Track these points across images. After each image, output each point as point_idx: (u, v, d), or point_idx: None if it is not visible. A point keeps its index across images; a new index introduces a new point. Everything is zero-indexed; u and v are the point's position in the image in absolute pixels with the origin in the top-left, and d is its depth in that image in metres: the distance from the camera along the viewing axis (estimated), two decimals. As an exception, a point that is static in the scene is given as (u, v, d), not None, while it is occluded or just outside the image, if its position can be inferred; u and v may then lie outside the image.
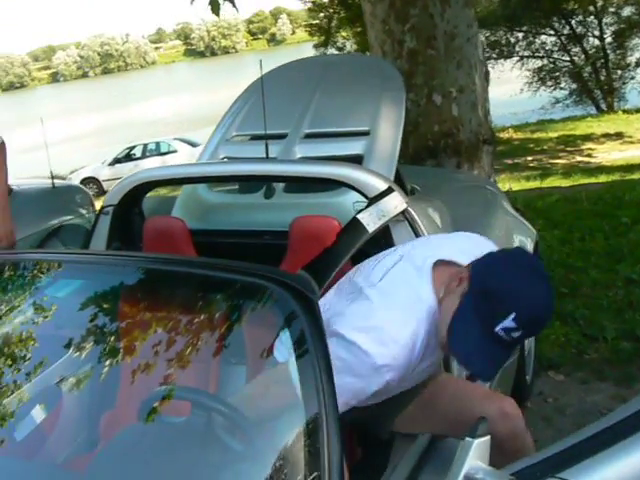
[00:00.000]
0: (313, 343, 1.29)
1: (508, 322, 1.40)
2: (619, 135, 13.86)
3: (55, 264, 1.82)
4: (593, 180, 8.63)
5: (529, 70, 20.53)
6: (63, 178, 15.07)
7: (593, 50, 20.13)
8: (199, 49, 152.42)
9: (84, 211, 4.19)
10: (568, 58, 20.42)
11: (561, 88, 20.42)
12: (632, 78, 19.89)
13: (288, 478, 1.19)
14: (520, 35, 20.18)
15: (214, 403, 1.42)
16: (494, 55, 19.79)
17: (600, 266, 4.33)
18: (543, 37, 20.40)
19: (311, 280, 1.45)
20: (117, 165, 17.19)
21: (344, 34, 20.73)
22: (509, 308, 1.40)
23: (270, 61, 4.20)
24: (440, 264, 1.61)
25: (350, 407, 1.50)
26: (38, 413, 1.74)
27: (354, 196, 2.26)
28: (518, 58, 20.40)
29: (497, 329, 1.41)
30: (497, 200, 3.27)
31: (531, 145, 14.16)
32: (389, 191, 2.11)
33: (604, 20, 19.72)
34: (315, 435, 1.19)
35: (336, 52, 20.00)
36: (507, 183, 8.32)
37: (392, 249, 1.77)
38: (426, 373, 1.71)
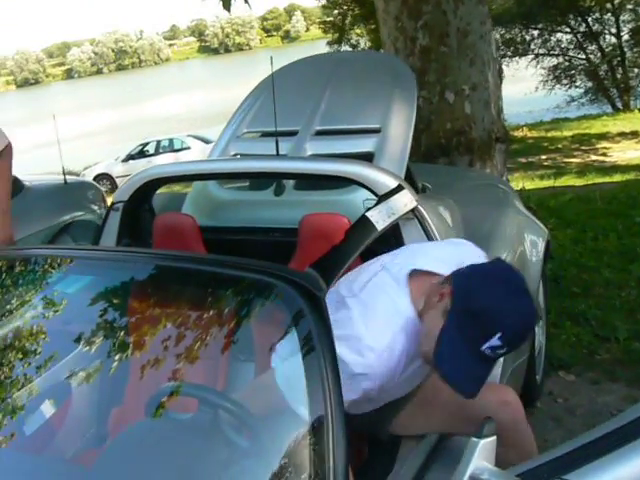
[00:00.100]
0: (319, 341, 1.29)
1: (494, 341, 1.42)
2: (635, 134, 13.71)
3: (65, 260, 1.83)
4: (608, 179, 8.55)
5: (544, 68, 20.38)
6: (77, 174, 15.15)
7: (610, 48, 19.93)
8: (213, 46, 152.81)
9: (95, 207, 4.22)
10: (584, 56, 20.25)
11: (576, 86, 20.26)
12: (649, 76, 19.73)
13: (293, 476, 1.19)
14: (535, 33, 20.03)
15: (221, 400, 1.43)
16: (509, 53, 19.67)
17: (613, 266, 4.29)
18: (559, 35, 20.23)
19: (319, 278, 1.45)
20: (130, 161, 17.22)
21: (358, 31, 20.69)
22: (495, 328, 1.42)
23: (283, 58, 4.19)
24: (417, 274, 1.64)
25: None
26: (47, 408, 1.75)
27: (364, 194, 2.25)
28: (533, 56, 20.24)
29: (483, 348, 1.43)
30: (509, 199, 3.24)
31: (545, 144, 14.05)
32: (399, 189, 2.10)
33: (621, 17, 19.53)
34: (320, 433, 1.18)
35: (350, 49, 19.96)
36: (521, 182, 8.26)
37: (375, 259, 1.79)
38: (417, 379, 1.73)
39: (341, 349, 1.47)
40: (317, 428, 1.19)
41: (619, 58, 19.70)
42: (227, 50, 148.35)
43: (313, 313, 1.33)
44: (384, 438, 1.80)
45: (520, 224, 2.95)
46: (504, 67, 18.21)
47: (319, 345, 1.28)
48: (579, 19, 19.55)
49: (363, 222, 1.93)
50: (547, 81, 20.39)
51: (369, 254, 1.86)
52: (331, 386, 1.23)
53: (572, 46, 20.35)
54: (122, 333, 1.68)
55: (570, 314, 3.63)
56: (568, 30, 19.97)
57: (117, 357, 1.64)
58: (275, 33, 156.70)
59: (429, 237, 2.10)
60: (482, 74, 4.65)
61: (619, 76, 19.83)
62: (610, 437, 1.20)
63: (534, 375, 2.86)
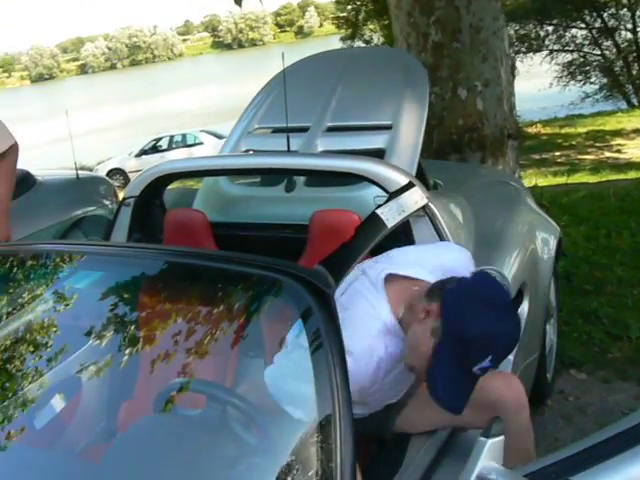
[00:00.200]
0: (328, 337, 1.29)
1: (486, 363, 1.48)
2: (650, 131, 13.60)
3: (76, 256, 1.84)
4: (622, 176, 8.48)
5: (559, 64, 20.20)
6: (90, 169, 15.23)
7: (625, 44, 19.73)
8: (226, 41, 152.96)
9: (107, 202, 4.23)
10: (599, 52, 20.06)
11: (591, 83, 20.08)
12: (665, 72, 19.51)
13: (300, 473, 1.19)
14: (550, 28, 19.85)
15: (229, 397, 1.43)
16: (523, 49, 19.52)
17: (626, 264, 4.25)
18: (574, 30, 20.05)
19: (327, 275, 1.45)
20: (143, 157, 17.25)
21: (371, 27, 20.62)
22: (487, 352, 1.47)
23: (295, 54, 4.18)
24: (394, 278, 1.67)
25: None
26: (58, 402, 1.77)
27: (375, 190, 2.24)
28: (548, 52, 20.08)
29: (475, 369, 1.48)
30: (521, 196, 3.22)
31: (559, 140, 13.96)
32: (410, 186, 2.09)
33: (637, 12, 19.31)
34: (328, 430, 1.18)
35: (363, 45, 19.91)
36: (534, 178, 8.21)
37: (360, 264, 1.79)
38: (407, 383, 1.75)
39: None
40: (325, 425, 1.19)
41: (635, 54, 19.49)
42: (240, 45, 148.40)
43: (322, 310, 1.33)
44: (389, 437, 1.80)
45: (532, 221, 2.93)
46: (518, 63, 18.13)
47: (327, 342, 1.28)
48: (594, 14, 19.35)
49: (373, 219, 1.92)
50: (561, 77, 20.21)
51: (379, 251, 1.86)
52: (339, 383, 1.23)
53: (587, 42, 20.15)
54: (132, 328, 1.69)
55: (582, 312, 3.61)
56: (583, 26, 19.78)
57: (127, 352, 1.64)
58: (288, 29, 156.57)
59: (440, 234, 2.09)
60: (495, 70, 4.61)
61: (635, 72, 19.63)
62: (621, 437, 1.18)
63: (545, 373, 2.85)
